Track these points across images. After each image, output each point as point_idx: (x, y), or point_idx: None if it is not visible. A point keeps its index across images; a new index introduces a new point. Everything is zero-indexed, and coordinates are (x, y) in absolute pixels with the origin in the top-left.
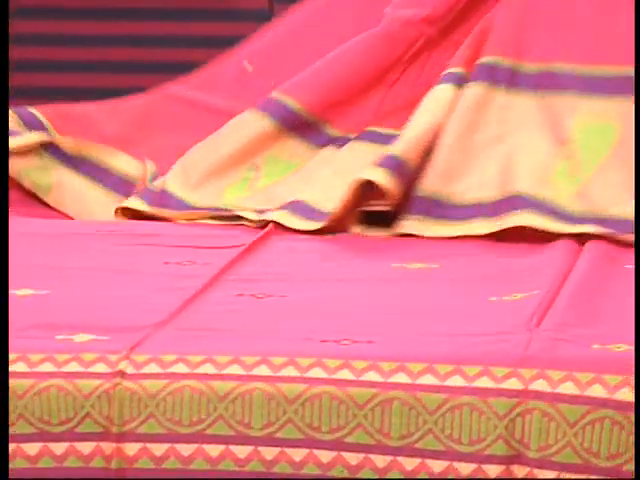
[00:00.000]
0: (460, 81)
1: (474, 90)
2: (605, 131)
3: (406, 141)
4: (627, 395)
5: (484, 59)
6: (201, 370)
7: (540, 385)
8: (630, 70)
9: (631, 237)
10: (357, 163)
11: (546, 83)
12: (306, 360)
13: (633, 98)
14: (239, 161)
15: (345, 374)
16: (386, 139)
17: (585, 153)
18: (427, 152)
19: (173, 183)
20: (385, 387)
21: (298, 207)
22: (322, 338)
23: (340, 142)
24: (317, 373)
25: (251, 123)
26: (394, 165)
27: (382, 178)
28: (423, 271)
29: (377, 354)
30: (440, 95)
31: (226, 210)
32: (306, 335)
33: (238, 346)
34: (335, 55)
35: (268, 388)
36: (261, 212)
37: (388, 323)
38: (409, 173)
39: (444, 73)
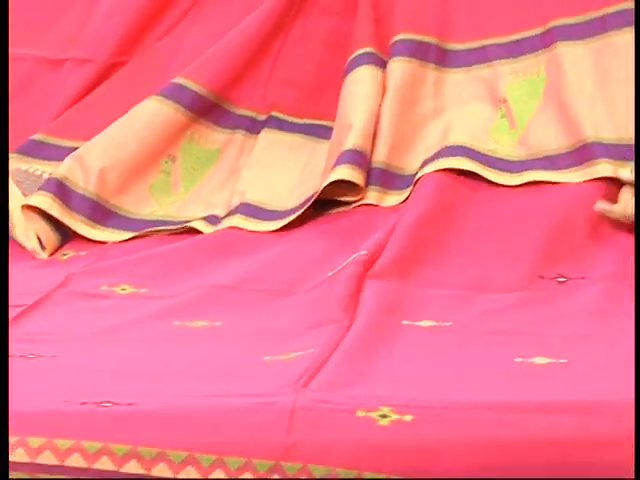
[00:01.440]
0: (378, 61)
1: (402, 67)
2: (534, 83)
3: (358, 133)
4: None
5: (402, 36)
6: None
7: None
8: (537, 30)
9: (566, 174)
10: (291, 158)
11: (474, 59)
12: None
13: (551, 49)
14: (155, 154)
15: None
16: (310, 129)
17: (520, 106)
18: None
19: (87, 185)
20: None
21: (250, 209)
22: (83, 400)
23: (249, 126)
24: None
25: (158, 111)
26: (358, 160)
27: (352, 175)
28: (206, 329)
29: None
30: (366, 78)
31: (173, 223)
32: (66, 397)
33: None
34: (228, 36)
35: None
36: (211, 221)
37: (154, 384)
38: (369, 162)
39: (357, 54)
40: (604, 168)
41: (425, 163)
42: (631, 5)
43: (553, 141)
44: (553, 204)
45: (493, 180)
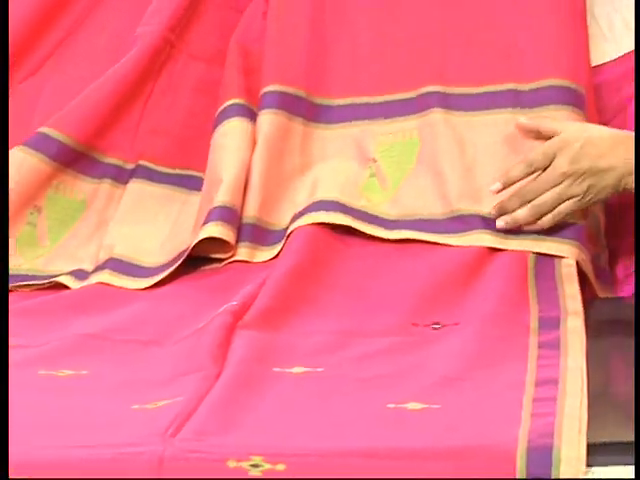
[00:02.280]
0: (248, 113)
1: (270, 119)
2: (407, 146)
3: (228, 188)
4: None
5: (271, 87)
6: None
7: None
8: (411, 94)
9: (442, 237)
10: (161, 211)
11: (344, 116)
12: None
13: (426, 114)
14: (20, 205)
15: None
16: (181, 180)
17: (391, 167)
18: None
19: None
20: None
21: (119, 265)
22: None
23: (116, 175)
24: None
25: (23, 161)
26: (227, 216)
27: (222, 233)
28: (72, 378)
29: None
30: (236, 131)
31: (39, 277)
32: None
33: None
34: (96, 83)
35: None
36: (79, 276)
37: (16, 434)
38: (239, 218)
39: (227, 105)
40: (484, 238)
41: (295, 217)
42: (505, 87)
43: (426, 206)
44: (431, 261)
45: (368, 233)
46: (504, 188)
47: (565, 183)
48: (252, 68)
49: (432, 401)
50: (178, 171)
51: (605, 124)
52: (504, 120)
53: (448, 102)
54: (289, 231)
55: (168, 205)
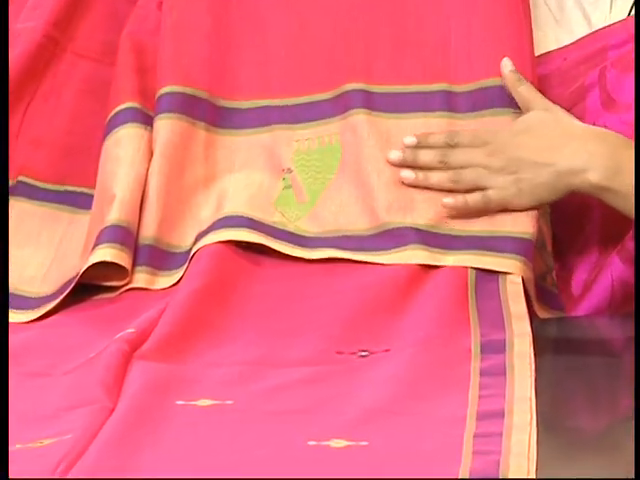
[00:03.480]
0: (143, 118)
1: (169, 124)
2: (326, 153)
3: (122, 205)
4: None
5: (169, 89)
6: None
7: None
8: (330, 94)
9: (370, 255)
10: (44, 234)
11: (251, 120)
12: None
13: (348, 116)
14: None
15: None
16: (66, 197)
17: (309, 178)
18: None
19: None
20: None
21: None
22: None
23: None
24: None
25: None
26: (122, 237)
27: (115, 256)
28: None
29: None
30: (130, 139)
31: None
32: None
33: None
34: None
35: None
36: None
37: None
38: (135, 239)
39: (119, 110)
40: (417, 255)
41: (200, 236)
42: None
43: (351, 222)
44: (358, 282)
45: (285, 252)
46: (418, 146)
47: (490, 167)
48: (147, 66)
49: (358, 437)
50: (63, 187)
51: (567, 111)
52: (437, 125)
53: (373, 102)
54: (193, 252)
55: (52, 226)
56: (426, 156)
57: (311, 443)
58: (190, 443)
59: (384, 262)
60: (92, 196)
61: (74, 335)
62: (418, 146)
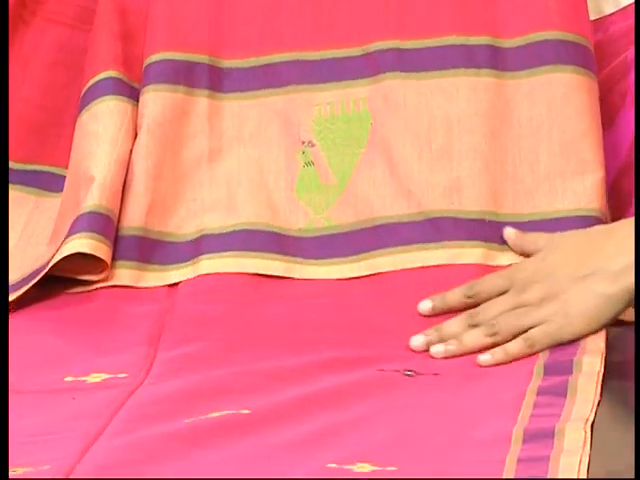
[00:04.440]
0: (126, 90)
1: (161, 97)
2: (353, 121)
3: (102, 189)
4: None
5: (160, 56)
6: None
7: None
8: (356, 50)
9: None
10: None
11: (260, 81)
12: None
13: (379, 80)
14: None
15: None
16: (31, 178)
17: (335, 156)
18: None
19: None
20: None
21: None
22: None
23: None
24: None
25: None
26: (102, 226)
27: (94, 247)
28: None
29: None
30: (111, 114)
31: None
32: None
33: None
34: None
35: None
36: None
37: None
38: (115, 228)
39: (97, 80)
40: (471, 253)
41: (209, 246)
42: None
43: (386, 205)
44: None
45: (318, 277)
46: (436, 311)
47: (528, 303)
48: (131, 31)
49: (386, 462)
50: (29, 166)
51: (608, 91)
52: (484, 85)
53: (406, 61)
54: (200, 273)
55: (16, 210)
56: (452, 327)
57: (331, 466)
58: (195, 456)
59: (432, 264)
60: (62, 177)
61: (43, 345)
62: (436, 311)
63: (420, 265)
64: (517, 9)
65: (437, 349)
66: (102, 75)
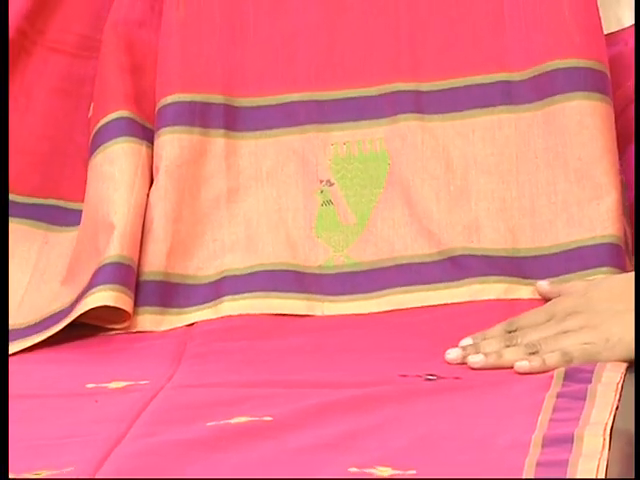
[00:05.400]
0: (139, 131)
1: (177, 139)
2: (371, 161)
3: (123, 238)
4: None
5: (176, 97)
6: None
7: None
8: (373, 90)
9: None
10: (17, 254)
11: (277, 120)
12: None
13: (395, 120)
14: None
15: None
16: (41, 212)
17: (353, 195)
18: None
19: None
20: None
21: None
22: None
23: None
24: None
25: None
26: (124, 277)
27: (119, 300)
28: None
29: None
30: (126, 156)
31: None
32: None
33: None
34: None
35: None
36: None
37: None
38: (136, 276)
39: (108, 120)
40: (493, 288)
41: (231, 287)
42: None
43: (407, 245)
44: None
45: (340, 312)
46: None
47: (569, 330)
48: (139, 65)
49: (406, 466)
50: (35, 200)
51: (630, 103)
52: (499, 123)
53: (424, 103)
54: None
55: (25, 246)
56: (490, 346)
57: (352, 469)
58: (216, 459)
59: (455, 301)
60: (69, 210)
61: (64, 360)
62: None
63: (443, 302)
64: (526, 40)
65: (476, 359)
66: (114, 115)
